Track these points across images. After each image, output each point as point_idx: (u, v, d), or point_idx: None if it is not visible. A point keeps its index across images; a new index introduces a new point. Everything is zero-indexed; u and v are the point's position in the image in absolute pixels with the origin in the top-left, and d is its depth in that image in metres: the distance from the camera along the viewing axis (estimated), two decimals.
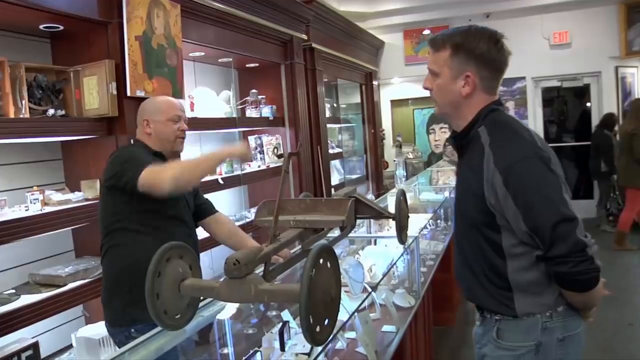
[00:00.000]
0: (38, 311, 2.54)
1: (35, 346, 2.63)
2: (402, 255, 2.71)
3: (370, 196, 7.01)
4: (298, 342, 1.98)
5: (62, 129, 2.79)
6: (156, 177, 2.10)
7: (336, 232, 1.95)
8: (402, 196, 2.42)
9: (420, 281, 2.77)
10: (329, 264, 1.40)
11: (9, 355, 2.57)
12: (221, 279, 1.46)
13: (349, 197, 2.07)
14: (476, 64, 1.66)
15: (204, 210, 2.55)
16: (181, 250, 1.59)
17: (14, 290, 2.66)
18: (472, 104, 1.71)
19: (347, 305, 2.38)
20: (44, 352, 2.73)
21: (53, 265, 2.94)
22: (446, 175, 7.19)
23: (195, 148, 4.38)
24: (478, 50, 1.64)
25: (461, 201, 1.81)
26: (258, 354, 1.77)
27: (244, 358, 1.77)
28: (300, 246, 1.95)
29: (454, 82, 1.69)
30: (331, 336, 1.38)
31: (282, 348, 1.94)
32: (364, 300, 2.28)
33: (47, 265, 2.95)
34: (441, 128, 9.23)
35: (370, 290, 2.50)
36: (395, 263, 2.70)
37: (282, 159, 1.72)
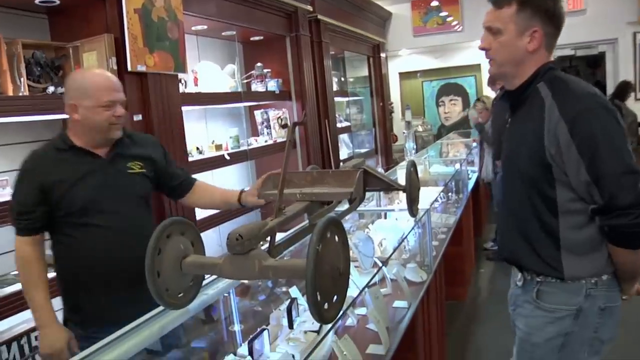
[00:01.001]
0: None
1: None
2: (412, 228, 2.63)
3: (379, 170, 6.91)
4: (307, 319, 1.92)
5: (62, 106, 2.70)
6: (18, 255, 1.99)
7: (345, 206, 1.86)
8: (412, 167, 2.33)
9: (432, 255, 2.69)
10: (336, 238, 1.32)
11: (18, 335, 2.55)
12: (224, 255, 1.39)
13: (358, 168, 1.98)
14: (542, 20, 1.66)
15: (182, 189, 2.33)
16: (182, 226, 1.52)
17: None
18: (534, 60, 1.71)
19: (357, 281, 2.31)
20: None
21: None
22: (456, 148, 7.09)
23: (200, 124, 4.31)
24: (544, 6, 1.66)
25: (513, 158, 1.78)
26: (265, 332, 1.71)
27: (251, 336, 1.72)
28: (307, 220, 1.87)
29: (519, 38, 1.68)
30: (340, 313, 1.31)
31: (291, 326, 1.88)
32: (374, 275, 2.21)
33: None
34: (451, 100, 9.07)
35: (380, 265, 2.43)
36: (406, 237, 2.62)
37: (287, 129, 1.62)
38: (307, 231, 1.75)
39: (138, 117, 2.95)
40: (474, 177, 5.32)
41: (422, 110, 9.23)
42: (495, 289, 4.49)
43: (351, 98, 6.97)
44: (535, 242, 1.70)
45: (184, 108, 3.63)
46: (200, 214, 3.73)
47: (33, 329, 2.55)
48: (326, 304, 1.25)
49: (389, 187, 2.27)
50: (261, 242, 1.44)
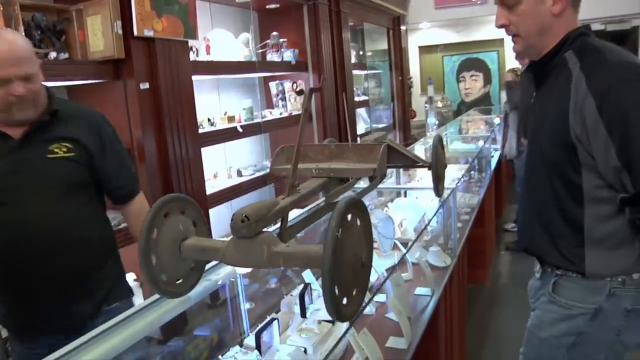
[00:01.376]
0: None
1: None
2: (439, 209, 2.43)
3: None
4: (321, 307, 1.74)
5: (64, 73, 2.53)
6: None
7: (362, 183, 1.66)
8: (439, 143, 2.13)
9: (456, 238, 2.49)
10: (358, 221, 1.13)
11: None
12: (229, 238, 1.21)
13: (380, 142, 1.78)
14: None
15: (116, 198, 1.99)
16: (183, 204, 1.33)
17: None
18: (563, 24, 1.49)
19: (376, 265, 2.13)
20: None
21: None
22: (476, 125, 6.84)
23: (213, 95, 4.11)
24: None
25: (536, 137, 1.57)
26: (275, 322, 1.54)
27: (259, 326, 1.54)
28: (323, 198, 1.68)
29: (541, 2, 1.48)
30: (360, 309, 1.13)
31: (303, 314, 1.71)
32: (398, 263, 2.02)
33: None
34: (472, 76, 8.75)
35: (401, 247, 2.24)
36: (431, 219, 2.42)
37: (303, 96, 1.43)
38: (323, 210, 1.57)
39: (145, 86, 2.76)
40: (496, 155, 5.08)
41: (442, 86, 8.93)
42: (515, 273, 4.29)
43: (369, 71, 6.71)
44: (555, 233, 1.51)
45: (195, 78, 3.44)
46: (211, 187, 3.57)
47: None
48: (345, 299, 1.06)
49: (413, 163, 2.08)
50: (272, 224, 1.26)
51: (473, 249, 3.60)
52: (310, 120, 4.76)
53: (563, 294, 1.52)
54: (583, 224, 1.44)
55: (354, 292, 1.10)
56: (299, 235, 1.44)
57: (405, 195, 3.20)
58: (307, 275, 1.89)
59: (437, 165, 2.06)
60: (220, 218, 4.02)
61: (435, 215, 2.42)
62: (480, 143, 4.67)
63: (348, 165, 1.62)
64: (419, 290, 2.09)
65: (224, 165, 4.17)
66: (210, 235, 1.42)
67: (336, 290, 1.02)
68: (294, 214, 1.84)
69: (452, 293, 2.35)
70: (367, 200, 3.10)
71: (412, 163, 2.08)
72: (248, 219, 1.13)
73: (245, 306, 1.63)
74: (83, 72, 2.61)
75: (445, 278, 2.19)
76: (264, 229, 1.19)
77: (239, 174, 3.97)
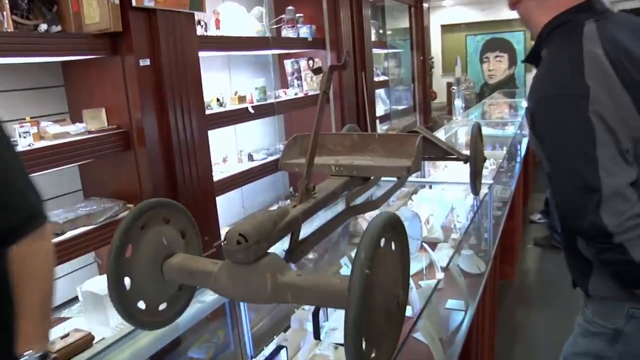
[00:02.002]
0: None
1: None
2: (477, 211, 2.11)
3: None
4: (339, 326, 1.45)
5: (53, 47, 2.24)
6: None
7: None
8: (477, 133, 1.82)
9: (491, 238, 2.19)
10: (394, 246, 0.84)
11: None
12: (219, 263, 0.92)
13: (411, 132, 1.48)
14: None
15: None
16: (166, 211, 1.05)
17: None
18: (540, 11, 1.23)
19: None
20: None
21: (58, 207, 2.50)
22: (500, 109, 6.48)
23: (223, 74, 3.81)
24: None
25: None
26: (283, 351, 1.26)
27: (265, 355, 1.27)
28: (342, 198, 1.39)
29: None
30: None
31: (317, 335, 1.42)
32: (426, 268, 1.72)
33: (51, 207, 2.50)
34: (496, 57, 8.32)
35: (429, 250, 1.94)
36: (471, 222, 2.11)
37: (321, 75, 1.13)
38: (342, 218, 1.28)
39: (145, 62, 2.47)
40: (524, 141, 4.73)
41: (465, 67, 8.51)
42: (544, 270, 3.97)
43: (390, 50, 6.41)
44: (569, 245, 1.28)
45: (203, 54, 3.14)
46: (219, 173, 3.30)
47: None
48: (373, 352, 0.78)
49: (447, 155, 1.78)
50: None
51: (501, 243, 3.30)
52: (327, 101, 4.45)
53: (590, 306, 1.31)
54: (576, 240, 1.21)
55: (384, 342, 0.81)
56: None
57: (430, 187, 2.89)
58: None
59: (476, 158, 1.76)
60: (230, 204, 3.76)
61: (474, 215, 2.11)
62: (509, 128, 4.31)
63: (374, 161, 1.33)
64: (451, 304, 1.79)
65: (234, 149, 3.90)
66: (201, 249, 1.13)
67: (363, 343, 0.73)
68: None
69: (486, 305, 2.05)
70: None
71: (445, 155, 1.79)
72: (246, 239, 0.84)
73: (248, 327, 1.35)
74: (75, 47, 2.32)
75: (480, 288, 1.90)
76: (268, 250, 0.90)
77: (250, 158, 3.70)
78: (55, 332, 2.09)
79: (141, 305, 0.98)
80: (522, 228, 4.47)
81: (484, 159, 1.90)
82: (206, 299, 1.19)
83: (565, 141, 1.07)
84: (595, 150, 1.02)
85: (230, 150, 3.84)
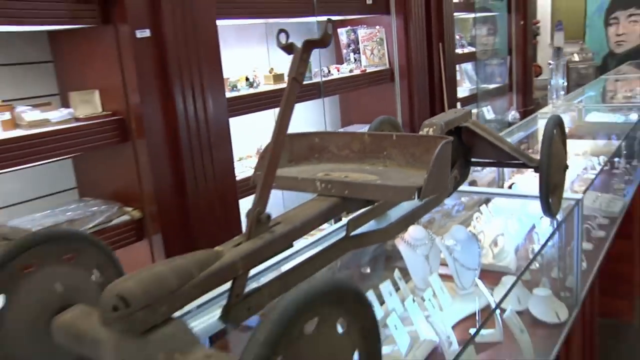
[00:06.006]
0: None
1: None
2: (552, 235, 1.84)
3: (512, 114, 6.01)
4: None
5: (25, 12, 2.15)
6: None
7: None
8: (555, 128, 1.58)
9: (580, 271, 1.91)
10: (342, 329, 0.65)
11: None
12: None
13: (442, 136, 1.27)
14: None
15: None
16: (68, 244, 0.91)
17: None
18: None
19: (445, 312, 1.63)
20: None
21: (46, 207, 2.48)
22: (629, 87, 5.96)
23: (261, 48, 3.69)
24: None
25: None
26: None
27: None
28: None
29: None
30: None
31: None
32: (479, 313, 1.50)
33: (38, 208, 2.49)
34: (630, 16, 7.62)
35: (483, 289, 1.70)
36: (542, 247, 1.84)
37: (293, 55, 0.96)
38: (332, 254, 1.10)
39: (144, 33, 2.38)
40: None
41: (582, 32, 7.91)
42: None
43: (479, 14, 6.10)
44: None
45: (234, 23, 3.03)
46: (249, 170, 3.18)
47: None
48: None
49: (510, 159, 1.58)
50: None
51: (612, 270, 2.95)
52: (391, 80, 4.25)
53: None
54: None
55: None
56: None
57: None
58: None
59: (550, 166, 1.53)
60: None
61: (546, 242, 1.83)
62: (634, 115, 3.90)
63: (381, 175, 1.13)
64: None
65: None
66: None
67: None
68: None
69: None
70: (452, 198, 2.56)
71: (509, 160, 1.58)
72: (127, 303, 0.68)
73: None
74: (58, 14, 2.25)
75: (557, 346, 1.63)
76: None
77: None
78: None
79: None
80: None
81: (565, 167, 1.63)
82: None
83: None
84: None
85: (267, 140, 3.73)
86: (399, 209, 1.50)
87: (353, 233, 1.16)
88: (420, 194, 0.99)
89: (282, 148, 0.92)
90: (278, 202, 3.81)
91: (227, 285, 0.88)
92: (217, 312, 1.02)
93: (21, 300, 0.84)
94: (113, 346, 0.72)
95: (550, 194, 1.57)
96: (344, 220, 1.36)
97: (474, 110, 5.60)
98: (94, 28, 2.38)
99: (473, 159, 1.64)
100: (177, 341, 0.71)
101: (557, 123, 1.59)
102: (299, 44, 1.03)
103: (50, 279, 0.87)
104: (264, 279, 0.96)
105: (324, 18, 3.81)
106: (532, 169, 1.56)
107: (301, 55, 0.95)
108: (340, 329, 0.64)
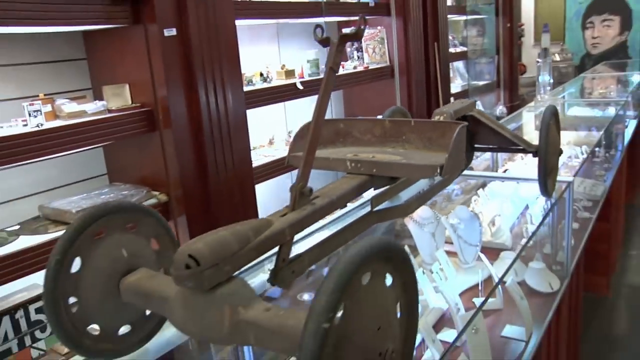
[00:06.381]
0: (40, 256, 2.11)
1: None
2: (547, 215, 1.88)
3: (500, 109, 6.02)
4: None
5: (65, 14, 2.17)
6: None
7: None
8: (551, 118, 1.61)
9: (570, 247, 1.95)
10: (390, 282, 0.68)
11: (13, 307, 2.21)
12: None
13: (457, 121, 1.30)
14: None
15: None
16: (132, 214, 0.94)
17: (17, 227, 2.25)
18: None
19: (450, 285, 1.67)
20: None
21: (81, 192, 2.51)
22: (605, 85, 5.99)
23: (272, 46, 3.70)
24: None
25: None
26: None
27: None
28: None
29: None
30: None
31: None
32: (481, 284, 1.54)
33: (73, 192, 2.52)
34: (604, 21, 7.66)
35: (486, 262, 1.74)
36: (537, 228, 1.88)
37: (330, 47, 0.99)
38: (359, 228, 1.13)
39: (171, 32, 2.40)
40: (632, 125, 4.31)
41: (562, 34, 7.92)
42: None
43: (470, 17, 6.10)
44: None
45: (248, 23, 3.05)
46: (263, 157, 3.22)
47: (32, 300, 2.19)
48: None
49: (511, 145, 1.60)
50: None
51: (592, 249, 3.00)
52: (391, 76, 4.27)
53: None
54: None
55: None
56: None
57: (502, 180, 2.65)
58: None
59: (548, 151, 1.56)
60: (278, 191, 3.67)
61: (543, 220, 1.87)
62: (612, 109, 3.93)
63: (404, 156, 1.16)
64: (510, 331, 1.59)
65: (283, 129, 3.80)
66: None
67: None
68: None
69: (561, 333, 1.83)
70: (453, 183, 2.59)
71: (509, 145, 1.61)
72: (197, 262, 0.72)
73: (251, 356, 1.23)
74: (94, 15, 2.27)
75: (551, 312, 1.68)
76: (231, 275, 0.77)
77: None
78: None
79: (93, 331, 0.89)
80: (623, 232, 4.08)
81: (560, 152, 1.67)
82: None
83: None
84: None
85: (278, 131, 3.75)
86: (408, 191, 1.54)
87: (376, 208, 1.19)
88: (442, 171, 1.03)
89: (321, 130, 0.95)
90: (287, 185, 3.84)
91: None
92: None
93: (94, 264, 0.88)
94: (183, 301, 0.76)
95: (547, 175, 1.60)
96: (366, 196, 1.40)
97: None
98: (125, 28, 2.41)
99: (477, 145, 1.67)
100: (240, 296, 0.75)
101: (553, 112, 1.62)
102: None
103: (117, 245, 0.91)
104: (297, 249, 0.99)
105: (331, 19, 3.84)
106: (531, 154, 1.59)
107: (337, 48, 0.98)
108: (388, 283, 0.68)
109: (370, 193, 1.26)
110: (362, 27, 0.98)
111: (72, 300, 0.86)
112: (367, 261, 0.62)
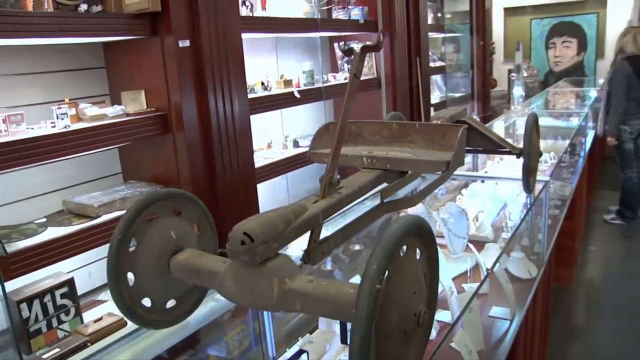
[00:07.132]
0: (66, 246, 2.12)
1: (70, 283, 2.26)
2: (529, 210, 1.96)
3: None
4: None
5: (93, 27, 2.22)
6: None
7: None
8: (534, 125, 1.68)
9: (545, 240, 2.03)
10: (419, 255, 0.74)
11: (41, 292, 2.22)
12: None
13: (457, 123, 1.36)
14: None
15: None
16: (178, 202, 0.99)
17: (44, 219, 2.26)
18: None
19: (442, 272, 1.72)
20: (81, 288, 2.36)
21: (97, 189, 2.52)
22: (566, 98, 6.14)
23: (270, 57, 3.75)
24: None
25: None
26: (304, 356, 1.18)
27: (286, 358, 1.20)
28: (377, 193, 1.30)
29: None
30: None
31: (344, 340, 1.34)
32: (470, 270, 1.60)
33: (90, 189, 2.53)
34: (564, 42, 7.85)
35: (474, 250, 1.81)
36: (521, 222, 1.95)
37: (353, 57, 1.03)
38: (373, 215, 1.18)
39: (185, 43, 2.44)
40: (590, 134, 4.44)
41: (529, 53, 8.09)
42: (609, 273, 3.71)
43: (448, 35, 6.17)
44: None
45: (249, 36, 3.08)
46: (263, 159, 3.25)
47: (59, 286, 2.20)
48: None
49: (498, 148, 1.65)
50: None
51: (558, 244, 3.10)
52: (378, 87, 4.33)
53: None
54: None
55: None
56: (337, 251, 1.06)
57: (482, 181, 2.73)
58: (357, 279, 1.51)
59: (531, 153, 1.62)
60: (274, 191, 3.72)
61: (525, 214, 1.95)
62: (574, 120, 4.05)
63: (413, 153, 1.22)
64: (496, 311, 1.66)
65: (279, 134, 3.85)
66: (216, 243, 1.06)
67: None
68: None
69: (537, 315, 1.90)
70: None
71: (496, 147, 1.66)
72: (251, 239, 0.76)
73: (270, 327, 1.28)
74: (115, 28, 2.31)
75: (530, 295, 1.75)
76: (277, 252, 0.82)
77: (296, 144, 3.63)
78: (90, 316, 2.11)
79: (146, 302, 0.93)
80: (584, 229, 4.20)
81: (540, 154, 1.74)
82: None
83: None
84: None
85: (276, 135, 3.80)
86: (406, 188, 1.59)
87: (386, 200, 1.24)
88: (448, 166, 1.09)
89: (346, 129, 1.00)
90: (283, 189, 3.89)
91: None
92: None
93: (147, 243, 0.92)
94: (234, 275, 0.80)
95: (529, 175, 1.66)
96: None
97: None
98: (143, 39, 2.43)
99: (467, 146, 1.73)
100: (286, 270, 0.79)
101: (534, 119, 1.68)
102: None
103: (167, 228, 0.95)
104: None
105: (325, 34, 3.89)
106: (515, 155, 1.66)
107: (360, 57, 1.03)
108: (418, 257, 0.73)
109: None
110: (382, 40, 1.03)
111: (129, 276, 0.90)
112: (406, 234, 0.67)
